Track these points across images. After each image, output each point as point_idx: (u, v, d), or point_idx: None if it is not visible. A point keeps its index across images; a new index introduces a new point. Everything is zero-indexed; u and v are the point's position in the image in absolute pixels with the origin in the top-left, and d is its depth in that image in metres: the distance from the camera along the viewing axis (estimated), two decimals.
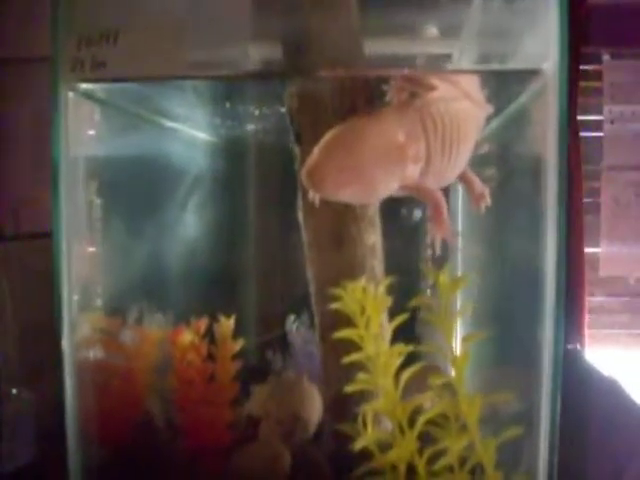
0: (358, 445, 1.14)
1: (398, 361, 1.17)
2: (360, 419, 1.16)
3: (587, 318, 2.75)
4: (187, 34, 1.11)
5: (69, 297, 1.17)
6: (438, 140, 1.19)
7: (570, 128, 2.59)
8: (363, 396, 1.22)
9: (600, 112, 2.74)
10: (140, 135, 1.47)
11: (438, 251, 1.20)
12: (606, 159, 2.74)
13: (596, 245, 2.82)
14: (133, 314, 1.51)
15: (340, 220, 1.27)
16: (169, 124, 1.60)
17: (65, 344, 1.17)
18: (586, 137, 2.73)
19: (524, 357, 1.22)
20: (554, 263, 1.09)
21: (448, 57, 1.38)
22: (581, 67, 2.64)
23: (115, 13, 1.11)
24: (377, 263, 1.30)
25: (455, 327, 1.15)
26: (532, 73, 1.10)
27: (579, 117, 2.58)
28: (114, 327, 1.37)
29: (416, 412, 1.17)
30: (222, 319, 1.39)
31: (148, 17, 1.11)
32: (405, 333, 1.22)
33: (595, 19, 2.63)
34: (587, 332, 2.76)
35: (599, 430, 1.59)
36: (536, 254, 1.13)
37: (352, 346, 1.16)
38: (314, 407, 1.52)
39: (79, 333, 1.27)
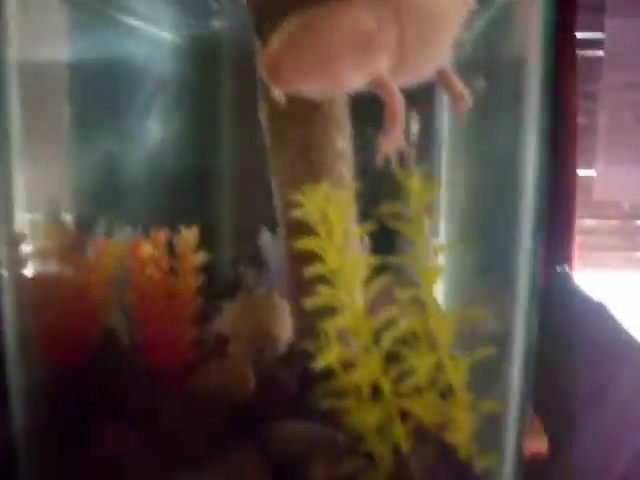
0: (319, 364, 1.05)
1: (363, 274, 1.07)
2: (323, 336, 1.07)
3: (577, 240, 2.66)
4: None
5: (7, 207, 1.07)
6: (412, 30, 1.05)
7: (566, 43, 2.45)
8: (331, 312, 1.13)
9: (601, 29, 2.58)
10: (101, 34, 1.35)
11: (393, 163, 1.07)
12: (605, 78, 2.59)
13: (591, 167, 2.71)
14: (101, 227, 1.43)
15: (305, 122, 1.15)
16: (131, 22, 1.48)
17: (3, 254, 1.08)
18: (585, 55, 2.58)
19: (502, 274, 1.13)
20: (535, 173, 0.99)
21: None
22: None
23: None
24: (346, 169, 1.20)
25: (427, 237, 1.05)
26: None
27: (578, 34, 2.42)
28: (70, 238, 1.27)
29: (384, 329, 1.08)
30: (184, 230, 1.30)
31: None
32: (386, 247, 1.12)
33: None
34: (577, 254, 2.67)
35: (583, 353, 1.52)
36: (517, 164, 1.03)
37: (318, 258, 1.07)
38: (285, 325, 1.44)
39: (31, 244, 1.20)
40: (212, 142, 1.66)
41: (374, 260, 1.07)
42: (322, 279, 1.08)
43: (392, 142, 1.05)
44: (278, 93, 1.12)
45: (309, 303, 1.07)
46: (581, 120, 2.63)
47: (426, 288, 1.06)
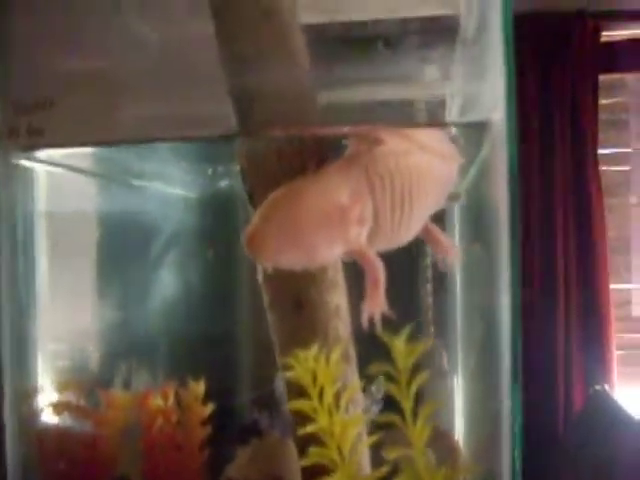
0: None
1: (353, 432, 1.10)
2: None
3: (617, 356, 2.63)
4: (125, 98, 1.08)
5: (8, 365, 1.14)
6: (387, 198, 1.11)
7: (590, 161, 2.50)
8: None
9: (628, 145, 2.63)
10: (105, 195, 1.45)
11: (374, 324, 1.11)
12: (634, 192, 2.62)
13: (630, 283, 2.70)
14: (120, 375, 1.49)
15: (298, 283, 1.21)
16: (146, 183, 1.58)
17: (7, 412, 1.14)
18: (612, 170, 2.62)
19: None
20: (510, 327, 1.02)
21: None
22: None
23: (51, 81, 1.09)
24: (341, 325, 1.24)
25: (411, 397, 1.08)
26: (482, 125, 1.03)
27: (602, 151, 2.48)
28: (82, 391, 1.33)
29: None
30: (190, 384, 1.35)
31: (83, 83, 1.08)
32: None
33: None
34: (617, 371, 2.63)
35: (625, 474, 1.49)
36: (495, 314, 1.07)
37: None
38: (296, 471, 1.46)
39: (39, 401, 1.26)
40: (227, 291, 1.73)
41: (364, 419, 1.10)
42: (315, 438, 1.11)
43: (375, 306, 1.10)
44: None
45: (303, 462, 1.10)
46: (618, 235, 2.65)
47: (417, 447, 1.08)
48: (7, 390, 1.18)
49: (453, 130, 1.32)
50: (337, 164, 1.14)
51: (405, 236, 1.18)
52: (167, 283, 1.66)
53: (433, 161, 1.20)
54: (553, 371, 2.55)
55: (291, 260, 1.06)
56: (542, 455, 2.42)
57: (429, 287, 1.81)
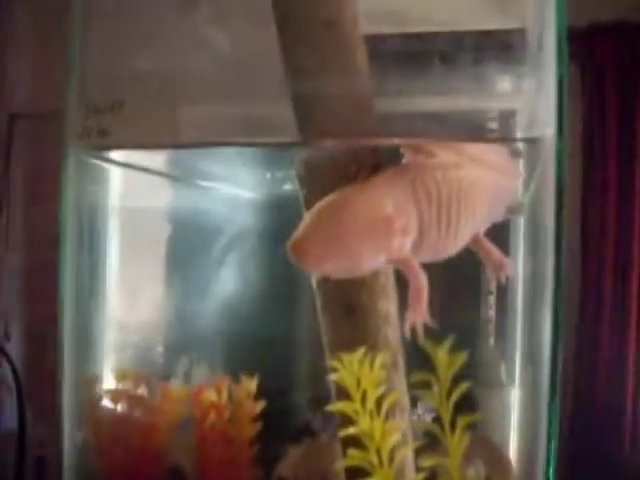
0: None
1: (394, 437, 1.12)
2: None
3: None
4: (190, 101, 1.13)
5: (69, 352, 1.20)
6: (433, 210, 1.13)
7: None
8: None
9: None
10: (172, 195, 1.50)
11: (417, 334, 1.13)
12: None
13: None
14: (181, 368, 1.55)
15: (350, 288, 1.23)
16: (199, 183, 1.64)
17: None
18: None
19: None
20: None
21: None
22: None
23: (122, 83, 1.15)
24: (391, 332, 1.26)
25: (450, 408, 1.09)
26: (530, 142, 1.04)
27: None
28: (140, 382, 1.39)
29: None
30: (244, 379, 1.39)
31: (150, 86, 1.13)
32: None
33: None
34: None
35: None
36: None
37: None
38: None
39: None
40: (286, 292, 1.76)
41: (402, 425, 1.12)
42: (356, 441, 1.13)
43: (418, 315, 1.12)
44: None
45: (340, 464, 1.13)
46: None
47: (452, 458, 1.09)
48: (68, 376, 1.23)
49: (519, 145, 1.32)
50: (385, 175, 1.16)
51: (451, 248, 1.19)
52: (228, 281, 1.71)
53: (486, 175, 1.21)
54: (621, 389, 2.48)
55: (335, 268, 1.08)
56: (607, 477, 2.37)
57: (491, 299, 1.81)
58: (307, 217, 1.09)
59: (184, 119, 1.16)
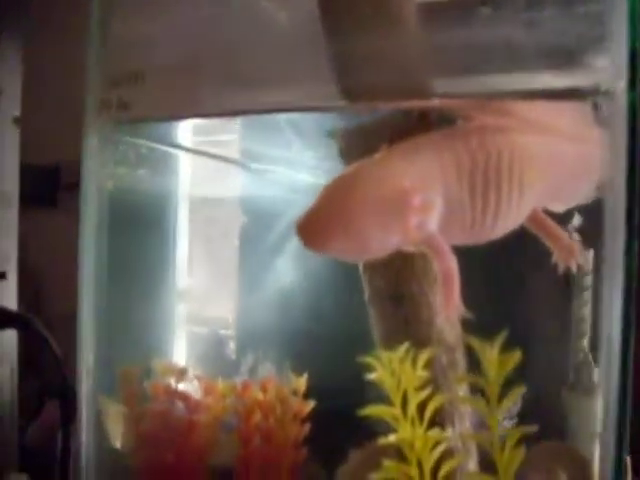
0: None
1: (438, 448, 0.97)
2: None
3: None
4: (210, 71, 1.02)
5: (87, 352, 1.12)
6: (464, 184, 0.96)
7: None
8: None
9: None
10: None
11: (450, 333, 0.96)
12: None
13: None
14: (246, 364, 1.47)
15: (399, 276, 1.09)
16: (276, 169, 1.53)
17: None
18: None
19: None
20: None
21: None
22: None
23: (142, 54, 1.05)
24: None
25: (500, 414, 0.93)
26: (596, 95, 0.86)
27: None
28: (182, 377, 1.30)
29: None
30: (292, 378, 1.27)
31: (170, 57, 1.03)
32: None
33: None
34: None
35: None
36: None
37: None
38: None
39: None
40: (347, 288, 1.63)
41: (444, 436, 0.97)
42: (395, 451, 1.00)
43: (451, 307, 0.96)
44: None
45: (373, 477, 0.99)
46: None
47: (502, 475, 0.93)
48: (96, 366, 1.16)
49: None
50: (406, 144, 0.99)
51: (494, 229, 1.01)
52: (282, 274, 1.59)
53: (547, 141, 1.03)
54: None
55: (341, 248, 0.94)
56: None
57: (585, 295, 1.61)
58: (318, 193, 0.95)
59: (206, 90, 1.04)
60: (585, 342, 1.58)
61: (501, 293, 1.34)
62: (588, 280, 1.59)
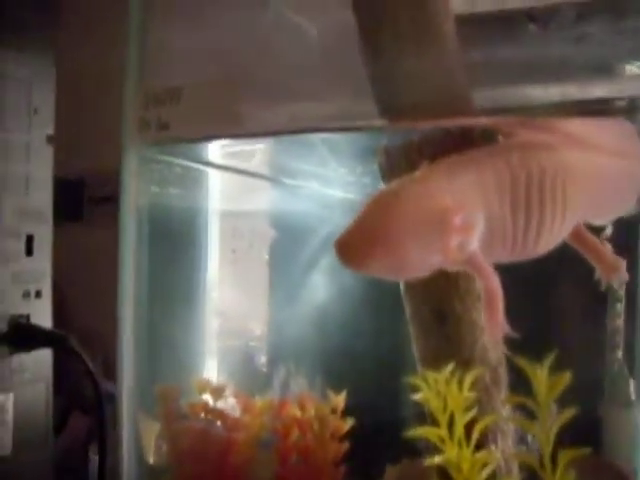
0: None
1: (486, 470, 0.96)
2: None
3: None
4: (250, 90, 1.02)
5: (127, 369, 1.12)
6: (506, 201, 0.95)
7: None
8: None
9: None
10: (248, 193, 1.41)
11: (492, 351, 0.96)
12: None
13: None
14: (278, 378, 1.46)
15: (442, 294, 1.08)
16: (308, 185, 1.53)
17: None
18: None
19: None
20: None
21: None
22: None
23: (180, 71, 1.05)
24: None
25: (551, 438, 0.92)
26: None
27: None
28: (216, 394, 1.30)
29: None
30: (331, 395, 1.27)
31: (210, 75, 1.03)
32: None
33: None
34: None
35: None
36: None
37: None
38: None
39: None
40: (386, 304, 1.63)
41: (495, 457, 0.96)
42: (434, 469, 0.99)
43: (495, 327, 0.95)
44: None
45: None
46: None
47: None
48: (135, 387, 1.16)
49: None
50: (447, 161, 0.98)
51: (536, 246, 0.99)
52: (315, 290, 1.59)
53: (594, 159, 1.02)
54: None
55: (380, 267, 0.92)
56: None
57: (618, 307, 1.60)
58: (358, 211, 0.94)
59: (246, 110, 1.04)
60: (620, 354, 1.58)
61: (540, 310, 1.33)
62: (622, 292, 1.58)
